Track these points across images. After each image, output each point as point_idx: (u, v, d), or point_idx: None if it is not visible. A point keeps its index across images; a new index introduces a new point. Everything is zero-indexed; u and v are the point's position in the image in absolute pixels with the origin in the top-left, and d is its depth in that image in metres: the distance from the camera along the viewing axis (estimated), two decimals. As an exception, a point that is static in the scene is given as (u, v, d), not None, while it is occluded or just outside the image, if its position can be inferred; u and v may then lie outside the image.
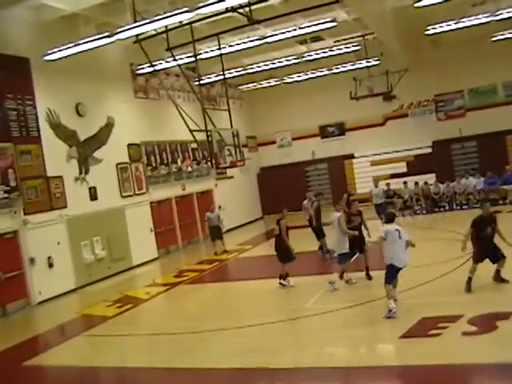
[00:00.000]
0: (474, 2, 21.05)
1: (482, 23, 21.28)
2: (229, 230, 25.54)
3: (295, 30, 19.51)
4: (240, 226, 28.48)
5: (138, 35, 16.55)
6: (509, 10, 20.88)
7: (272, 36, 19.99)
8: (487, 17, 20.89)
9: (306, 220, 18.28)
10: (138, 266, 20.70)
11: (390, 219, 10.60)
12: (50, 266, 16.80)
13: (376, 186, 22.22)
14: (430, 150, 28.70)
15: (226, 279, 17.44)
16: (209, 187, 26.72)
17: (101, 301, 15.56)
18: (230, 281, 17.12)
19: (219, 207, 24.97)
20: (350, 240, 13.42)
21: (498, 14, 20.86)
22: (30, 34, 17.02)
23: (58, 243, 17.31)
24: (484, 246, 10.78)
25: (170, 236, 23.47)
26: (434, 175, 26.77)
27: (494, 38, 24.43)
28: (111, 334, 12.15)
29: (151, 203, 22.45)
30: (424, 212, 24.44)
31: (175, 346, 10.67)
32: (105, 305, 15.04)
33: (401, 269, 10.27)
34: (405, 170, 28.76)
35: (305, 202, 18.56)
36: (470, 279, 10.72)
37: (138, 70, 21.92)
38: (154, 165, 22.92)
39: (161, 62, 19.99)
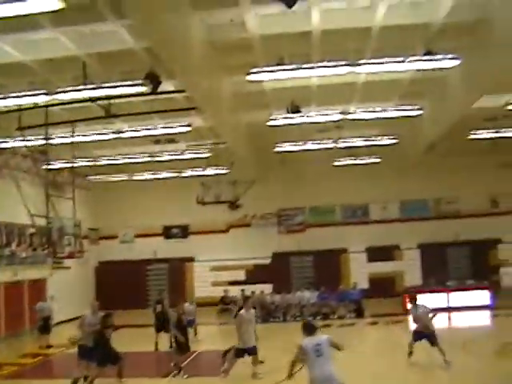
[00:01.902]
0: (320, 129, 22.73)
1: (325, 148, 23.05)
2: (61, 323, 24.10)
3: (151, 129, 19.84)
4: (72, 319, 26.93)
5: (-13, 110, 15.99)
6: (348, 139, 22.86)
7: (128, 132, 20.14)
8: (330, 143, 22.69)
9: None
10: None
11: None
12: None
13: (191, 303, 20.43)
14: (269, 261, 29.63)
15: (49, 376, 16.19)
16: (43, 276, 25.28)
17: None
18: (53, 378, 15.91)
19: (51, 297, 23.63)
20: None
21: (339, 142, 22.73)
22: None
23: None
24: None
25: (-9, 325, 21.68)
26: (271, 285, 27.45)
27: (336, 163, 26.40)
28: None
29: (-26, 288, 20.79)
30: (259, 321, 24.70)
31: None
32: None
33: None
34: (244, 277, 29.30)
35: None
36: None
37: (-17, 145, 20.84)
38: (-16, 246, 21.48)
39: (9, 140, 19.23)
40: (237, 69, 16.47)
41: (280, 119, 17.93)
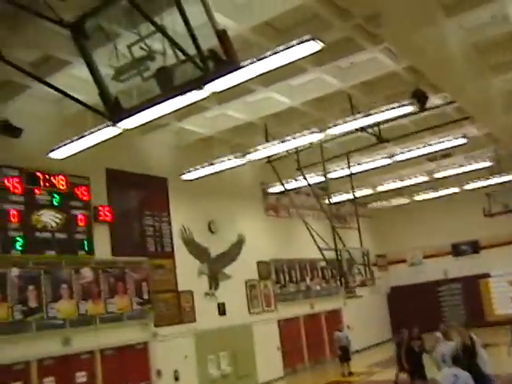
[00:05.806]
0: None
1: None
2: (357, 351, 24.60)
3: (425, 147, 19.33)
4: (368, 348, 27.34)
5: (269, 156, 17.24)
6: None
7: (401, 154, 19.92)
8: None
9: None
10: (263, 384, 20.22)
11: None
12: (176, 379, 16.67)
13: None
14: None
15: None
16: (337, 306, 26.13)
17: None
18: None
19: (347, 327, 24.29)
20: None
21: None
22: (169, 155, 18.19)
23: (186, 357, 17.30)
24: None
25: (297, 355, 22.89)
26: None
27: None
28: None
29: (279, 321, 22.22)
30: None
31: None
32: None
33: None
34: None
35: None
36: None
37: (269, 188, 22.23)
38: (282, 282, 22.92)
39: (291, 181, 20.45)
40: (504, 66, 15.42)
41: None
